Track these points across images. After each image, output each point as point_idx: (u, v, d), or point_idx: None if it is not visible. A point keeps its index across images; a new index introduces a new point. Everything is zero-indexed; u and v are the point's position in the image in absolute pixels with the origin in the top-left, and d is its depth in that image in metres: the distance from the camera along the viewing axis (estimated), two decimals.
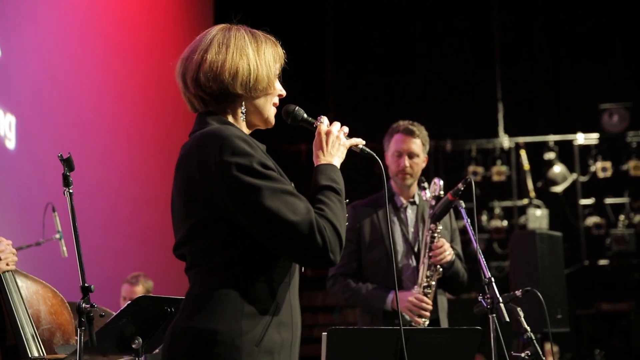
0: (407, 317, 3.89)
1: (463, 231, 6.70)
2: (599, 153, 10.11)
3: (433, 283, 3.92)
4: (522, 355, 3.30)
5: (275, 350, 2.03)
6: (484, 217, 10.08)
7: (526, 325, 3.29)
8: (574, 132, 10.28)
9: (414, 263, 4.03)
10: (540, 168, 10.25)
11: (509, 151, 10.34)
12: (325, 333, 2.90)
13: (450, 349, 3.07)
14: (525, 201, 10.25)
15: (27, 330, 3.04)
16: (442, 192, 3.89)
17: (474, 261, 3.42)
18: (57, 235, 4.86)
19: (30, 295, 3.15)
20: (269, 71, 2.18)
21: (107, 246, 6.41)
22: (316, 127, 2.29)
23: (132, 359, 3.09)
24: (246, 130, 2.22)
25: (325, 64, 11.11)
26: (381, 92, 10.79)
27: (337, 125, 2.27)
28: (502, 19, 10.95)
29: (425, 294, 3.89)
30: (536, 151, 10.34)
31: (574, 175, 10.26)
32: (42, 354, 3.04)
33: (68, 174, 2.84)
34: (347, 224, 2.14)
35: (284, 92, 2.28)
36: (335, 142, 2.23)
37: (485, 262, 3.34)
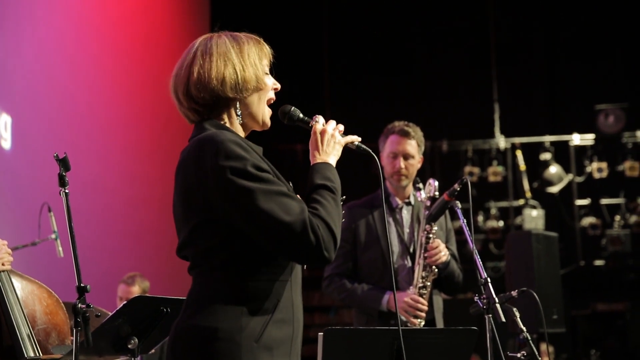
0: (402, 317, 3.89)
1: (459, 232, 6.70)
2: (594, 154, 10.12)
3: (428, 284, 3.92)
4: (518, 355, 3.30)
5: (274, 346, 2.08)
6: (480, 218, 10.10)
7: (522, 326, 3.29)
8: (570, 133, 10.30)
9: (410, 264, 4.03)
10: (536, 169, 10.26)
11: (505, 152, 10.35)
12: (322, 333, 2.90)
13: (447, 349, 3.07)
14: (521, 202, 10.26)
15: (23, 330, 3.04)
16: (437, 193, 3.89)
17: (470, 261, 3.42)
18: (53, 235, 4.85)
19: (25, 296, 3.15)
20: (256, 69, 2.22)
21: (103, 246, 6.40)
22: (312, 126, 2.30)
23: (128, 359, 3.09)
24: (242, 133, 2.25)
25: (322, 64, 11.11)
26: (377, 93, 10.80)
27: (332, 123, 2.29)
28: (498, 20, 10.97)
29: (421, 295, 3.90)
30: (532, 152, 10.35)
31: (570, 176, 10.27)
32: (38, 354, 3.03)
33: (64, 174, 2.83)
34: (343, 220, 2.18)
35: (278, 85, 2.30)
36: (331, 141, 2.25)
37: (481, 263, 3.34)
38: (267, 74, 2.27)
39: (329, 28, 11.13)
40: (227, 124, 2.21)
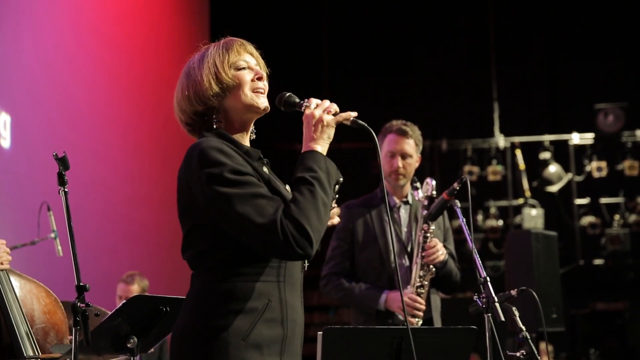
0: (400, 317, 3.89)
1: (458, 231, 6.73)
2: (594, 153, 10.13)
3: (426, 283, 3.92)
4: (517, 354, 3.30)
5: (263, 344, 2.13)
6: (480, 217, 10.10)
7: (521, 325, 3.29)
8: (570, 132, 10.30)
9: (407, 263, 4.02)
10: (536, 168, 10.26)
11: (504, 151, 10.35)
12: (321, 332, 2.90)
13: (446, 348, 3.07)
14: (520, 201, 10.26)
15: (22, 329, 3.04)
16: (434, 192, 3.89)
17: (469, 261, 3.42)
18: (52, 235, 4.85)
19: (24, 295, 3.15)
20: (217, 73, 2.26)
21: (102, 245, 6.40)
22: (304, 111, 2.27)
23: (127, 358, 3.09)
24: (242, 129, 2.31)
25: (322, 63, 11.11)
26: (377, 92, 10.79)
27: (323, 105, 2.26)
28: (498, 19, 10.97)
29: (419, 294, 3.89)
30: (531, 151, 10.35)
31: (569, 175, 10.28)
32: (37, 353, 3.04)
33: (63, 172, 2.83)
34: (334, 208, 2.23)
35: (261, 73, 2.32)
36: (318, 125, 2.23)
37: (480, 262, 3.34)
38: (242, 69, 2.29)
39: (328, 27, 11.13)
40: (223, 126, 2.29)
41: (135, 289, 5.54)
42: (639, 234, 10.00)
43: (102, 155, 6.65)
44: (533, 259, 5.32)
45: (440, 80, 10.79)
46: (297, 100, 2.30)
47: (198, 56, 2.33)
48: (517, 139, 10.39)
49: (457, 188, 3.58)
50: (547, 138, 10.23)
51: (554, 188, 10.26)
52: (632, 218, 9.97)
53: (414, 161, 4.10)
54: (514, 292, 3.36)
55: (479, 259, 3.34)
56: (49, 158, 2.90)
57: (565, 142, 10.35)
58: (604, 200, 10.25)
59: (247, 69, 2.31)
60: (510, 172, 10.33)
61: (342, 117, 2.27)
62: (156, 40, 7.90)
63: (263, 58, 2.39)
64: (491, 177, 10.04)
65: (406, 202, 4.13)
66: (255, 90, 2.29)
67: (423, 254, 3.89)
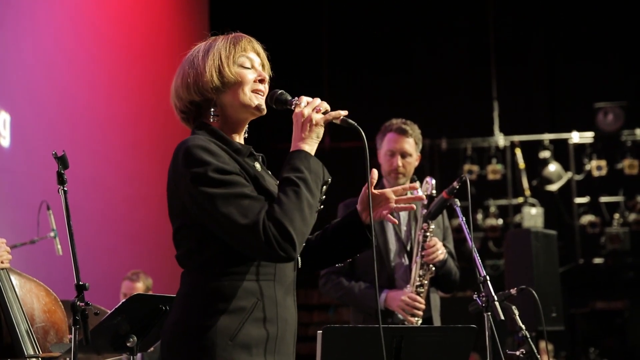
0: (400, 316, 3.88)
1: (458, 230, 6.73)
2: (594, 152, 10.12)
3: (426, 282, 3.91)
4: (517, 353, 3.30)
5: (252, 344, 2.11)
6: (479, 216, 10.10)
7: (521, 324, 3.29)
8: (569, 131, 10.29)
9: (407, 262, 4.02)
10: (536, 167, 10.26)
11: (504, 150, 10.35)
12: (321, 331, 2.90)
13: (446, 347, 3.07)
14: (520, 200, 10.26)
15: (22, 327, 3.04)
16: (434, 191, 3.89)
17: (469, 259, 3.42)
18: (52, 234, 4.85)
19: (24, 294, 3.15)
20: (221, 67, 2.23)
21: (101, 244, 6.40)
22: (294, 109, 2.24)
23: (127, 357, 3.09)
24: (231, 127, 2.28)
25: (321, 62, 11.10)
26: (377, 91, 10.79)
27: (312, 104, 2.22)
28: (498, 18, 10.96)
29: (418, 293, 3.89)
30: (531, 150, 10.35)
31: (569, 174, 10.27)
32: (37, 352, 3.03)
33: (62, 171, 2.83)
34: (321, 207, 2.19)
35: (264, 75, 2.28)
36: (306, 124, 2.19)
37: (480, 261, 3.34)
38: (246, 67, 2.27)
39: (328, 27, 11.13)
40: (216, 122, 2.26)
41: (140, 287, 5.55)
42: (638, 233, 9.99)
43: (102, 154, 6.65)
44: (533, 258, 5.32)
45: (440, 79, 10.79)
46: (289, 98, 2.27)
47: (204, 46, 2.30)
48: (517, 138, 10.38)
49: (457, 187, 3.58)
50: (546, 137, 10.23)
51: (553, 187, 10.26)
52: (632, 217, 9.97)
53: (414, 160, 4.10)
54: (513, 291, 3.36)
55: (479, 257, 3.34)
56: (48, 157, 2.90)
57: (565, 141, 10.35)
58: (603, 199, 10.25)
59: (251, 68, 2.28)
60: (510, 171, 10.33)
61: (331, 115, 2.22)
62: (156, 39, 7.90)
63: (268, 59, 2.36)
64: (491, 176, 10.04)
65: None
66: (254, 91, 2.27)
67: (423, 253, 3.89)
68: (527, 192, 10.21)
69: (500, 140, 10.33)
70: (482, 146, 10.31)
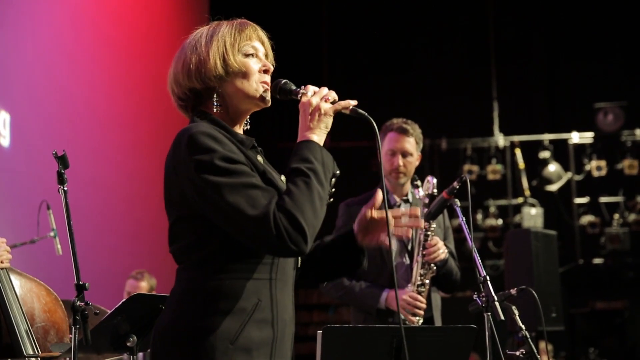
0: (401, 315, 3.88)
1: (458, 230, 6.72)
2: (593, 152, 10.13)
3: (427, 281, 3.91)
4: (517, 353, 3.30)
5: (253, 347, 2.00)
6: (479, 216, 10.10)
7: (521, 324, 3.29)
8: (569, 131, 10.30)
9: (408, 261, 4.02)
10: (535, 167, 10.27)
11: (504, 150, 10.35)
12: (321, 331, 2.90)
13: (446, 347, 3.06)
14: (520, 200, 10.26)
15: (22, 327, 3.03)
16: (435, 191, 3.89)
17: (469, 259, 3.42)
18: (52, 233, 4.85)
19: (24, 293, 3.14)
20: (225, 52, 2.14)
21: (101, 244, 6.40)
22: (300, 99, 2.14)
23: (127, 357, 3.09)
24: (233, 118, 2.19)
25: (321, 62, 11.11)
26: (377, 91, 10.79)
27: (320, 92, 2.12)
28: (498, 18, 10.97)
29: (419, 292, 3.89)
30: (531, 150, 10.36)
31: (569, 174, 10.28)
32: (36, 352, 3.03)
33: (63, 171, 2.83)
34: (330, 200, 2.08)
35: (268, 66, 2.20)
36: (315, 113, 2.09)
37: (480, 261, 3.34)
38: (250, 55, 2.18)
39: (328, 27, 11.13)
40: (217, 112, 2.16)
41: (144, 286, 5.56)
42: (638, 233, 10.00)
43: (102, 153, 6.65)
44: (533, 258, 5.32)
45: (440, 79, 10.79)
46: (294, 87, 2.18)
47: (207, 31, 2.20)
48: (517, 138, 10.39)
49: (457, 187, 3.58)
50: (546, 137, 10.23)
51: (553, 187, 10.26)
52: (632, 217, 9.97)
53: (415, 159, 4.10)
54: (513, 291, 3.36)
55: (479, 258, 3.34)
56: (48, 156, 2.89)
57: (565, 141, 10.36)
58: (603, 199, 10.25)
59: (255, 57, 2.19)
60: (509, 171, 10.34)
61: (341, 105, 2.11)
62: (155, 38, 7.90)
63: (273, 49, 2.27)
64: (491, 176, 10.05)
65: (407, 201, 4.13)
66: (261, 82, 2.17)
67: (424, 253, 3.89)
68: (527, 192, 10.22)
69: (500, 140, 10.33)
70: (482, 146, 10.31)
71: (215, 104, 2.15)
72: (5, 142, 5.37)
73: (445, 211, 4.02)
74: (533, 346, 3.28)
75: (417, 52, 11.17)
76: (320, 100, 2.09)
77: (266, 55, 2.24)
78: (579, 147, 10.31)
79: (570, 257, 10.17)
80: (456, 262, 4.10)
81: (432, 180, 3.90)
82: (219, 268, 2.02)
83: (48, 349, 3.11)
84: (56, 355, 3.06)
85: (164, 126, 7.43)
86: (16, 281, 3.14)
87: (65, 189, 2.82)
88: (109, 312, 2.95)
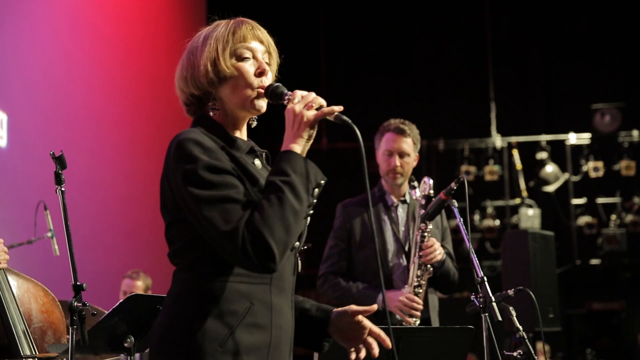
0: (398, 316, 3.88)
1: (455, 230, 6.74)
2: (590, 153, 10.15)
3: (424, 282, 3.91)
4: (514, 354, 3.30)
5: (242, 352, 1.97)
6: (477, 217, 10.11)
7: (518, 325, 3.29)
8: (566, 132, 10.31)
9: (405, 262, 4.02)
10: (533, 168, 10.28)
11: (501, 151, 10.36)
12: None
13: (443, 348, 3.07)
14: (517, 201, 10.28)
15: (19, 328, 3.03)
16: (432, 191, 3.89)
17: (466, 260, 3.42)
18: (49, 234, 4.84)
19: (21, 294, 3.14)
20: (216, 57, 2.10)
21: (99, 244, 6.39)
22: (287, 104, 2.06)
23: (124, 358, 3.08)
24: (231, 121, 2.15)
25: (319, 63, 11.11)
26: (374, 91, 10.80)
27: (305, 99, 2.04)
28: (495, 19, 10.98)
29: (416, 294, 3.89)
30: (528, 151, 10.37)
31: (566, 175, 10.29)
32: (34, 352, 3.03)
33: (60, 171, 2.82)
34: (311, 212, 2.04)
35: (264, 67, 2.12)
36: (296, 121, 2.01)
37: (477, 261, 3.34)
38: (245, 58, 2.12)
39: (326, 27, 11.13)
40: (217, 116, 2.13)
41: (140, 285, 5.56)
42: (635, 234, 10.01)
43: (99, 153, 6.65)
44: (530, 259, 5.33)
45: (437, 80, 10.80)
46: (285, 91, 2.08)
47: (204, 34, 2.16)
48: (514, 139, 10.40)
49: (455, 188, 3.58)
50: (543, 138, 10.24)
51: (550, 188, 10.27)
52: (629, 218, 9.99)
53: (412, 160, 4.10)
54: (510, 292, 3.36)
55: (476, 258, 3.34)
56: (45, 157, 2.89)
57: (562, 142, 10.37)
58: (600, 200, 10.27)
59: (252, 59, 2.13)
60: (507, 172, 10.35)
61: (324, 112, 2.03)
62: (152, 38, 7.90)
63: (276, 44, 2.21)
64: (488, 177, 10.06)
65: (404, 201, 4.13)
66: (257, 87, 2.10)
67: (421, 254, 3.89)
68: (524, 193, 10.23)
69: (498, 141, 10.34)
70: (479, 147, 10.32)
71: (212, 108, 2.13)
72: (3, 142, 5.37)
73: (443, 212, 4.02)
74: (530, 347, 3.28)
75: (415, 53, 11.18)
76: (303, 107, 2.02)
77: (268, 53, 2.18)
78: (576, 148, 10.32)
79: (567, 258, 10.18)
80: (454, 262, 4.10)
81: (428, 182, 3.90)
82: (212, 271, 2.00)
83: (45, 350, 3.11)
84: (53, 356, 3.05)
85: (160, 126, 7.43)
86: (13, 282, 3.13)
87: (63, 189, 2.82)
88: (106, 312, 2.95)
